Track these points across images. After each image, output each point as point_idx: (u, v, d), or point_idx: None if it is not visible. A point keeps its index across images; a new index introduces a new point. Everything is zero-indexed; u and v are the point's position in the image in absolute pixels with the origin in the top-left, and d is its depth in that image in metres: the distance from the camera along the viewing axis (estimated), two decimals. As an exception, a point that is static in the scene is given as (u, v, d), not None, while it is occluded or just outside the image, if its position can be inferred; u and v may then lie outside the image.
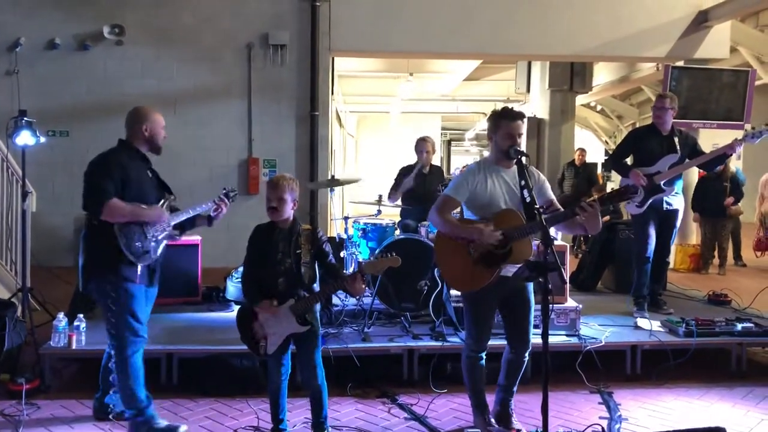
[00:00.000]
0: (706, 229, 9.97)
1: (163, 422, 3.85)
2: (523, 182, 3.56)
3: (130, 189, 3.72)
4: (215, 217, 4.14)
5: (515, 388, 4.05)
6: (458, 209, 3.97)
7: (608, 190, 11.88)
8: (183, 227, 4.10)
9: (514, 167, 3.73)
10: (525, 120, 3.87)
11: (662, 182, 5.61)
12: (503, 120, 3.79)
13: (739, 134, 5.74)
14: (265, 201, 3.65)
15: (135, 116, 3.91)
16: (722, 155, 5.62)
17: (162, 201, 3.92)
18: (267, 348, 3.66)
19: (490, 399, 4.06)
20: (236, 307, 6.00)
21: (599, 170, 14.45)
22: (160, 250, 3.86)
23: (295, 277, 3.64)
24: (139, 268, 3.73)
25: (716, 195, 9.78)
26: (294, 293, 3.63)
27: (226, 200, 4.17)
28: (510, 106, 3.99)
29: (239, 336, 3.79)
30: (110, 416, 4.07)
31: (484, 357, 3.95)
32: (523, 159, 3.67)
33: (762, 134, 5.45)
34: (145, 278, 3.82)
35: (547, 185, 3.94)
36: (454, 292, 5.16)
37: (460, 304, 5.10)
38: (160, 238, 3.85)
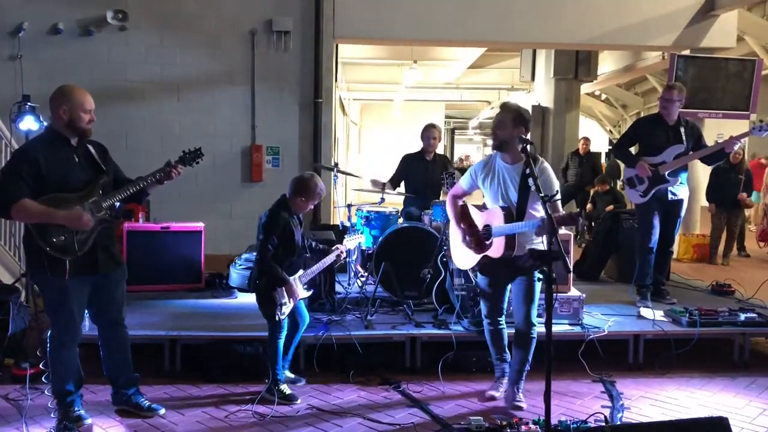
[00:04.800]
0: (721, 219, 9.90)
1: (82, 411, 3.86)
2: (528, 170, 3.61)
3: (49, 179, 3.55)
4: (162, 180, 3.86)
5: (526, 368, 4.20)
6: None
7: (614, 185, 11.89)
8: (137, 199, 3.91)
9: (520, 163, 3.91)
10: (506, 110, 4.05)
11: (666, 172, 5.58)
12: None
13: (743, 126, 5.72)
14: (309, 204, 4.34)
15: (54, 98, 3.66)
16: (720, 151, 5.59)
17: (88, 187, 3.67)
18: (282, 313, 4.23)
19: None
20: (240, 294, 6.04)
21: (603, 160, 14.43)
22: (91, 239, 3.65)
23: (302, 254, 4.42)
24: (67, 262, 3.58)
25: (732, 187, 9.73)
26: (300, 267, 4.39)
27: (181, 166, 3.88)
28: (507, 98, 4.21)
29: (259, 308, 4.29)
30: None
31: (504, 324, 4.28)
32: (528, 147, 3.69)
33: None
34: (79, 269, 3.64)
35: (547, 185, 3.84)
36: (457, 281, 5.17)
37: (463, 293, 5.14)
38: (89, 227, 3.61)
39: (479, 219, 4.23)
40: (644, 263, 5.78)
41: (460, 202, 4.34)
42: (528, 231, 3.84)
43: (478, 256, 4.13)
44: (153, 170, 3.86)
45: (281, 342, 4.32)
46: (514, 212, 3.93)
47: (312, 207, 4.46)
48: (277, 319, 4.22)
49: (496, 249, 4.01)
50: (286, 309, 4.25)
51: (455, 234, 4.35)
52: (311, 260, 4.51)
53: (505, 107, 4.08)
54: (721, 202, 9.89)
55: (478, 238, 4.16)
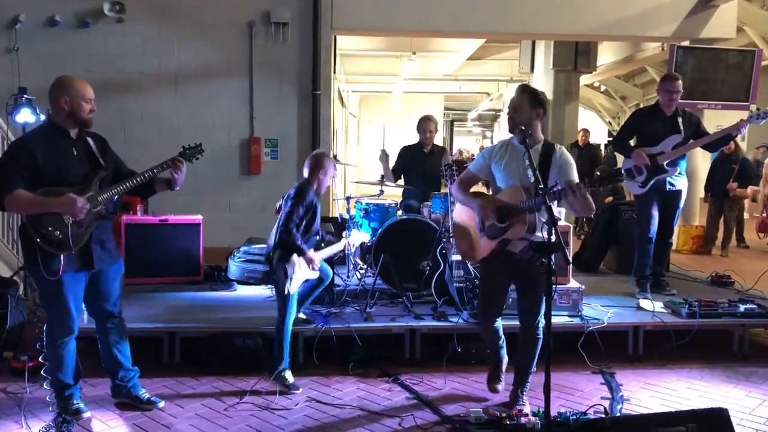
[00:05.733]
0: (713, 209, 9.95)
1: (80, 405, 3.87)
2: (527, 162, 3.56)
3: (46, 172, 3.52)
4: (175, 180, 3.84)
5: (531, 370, 4.05)
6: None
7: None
8: (142, 194, 3.90)
9: (538, 147, 3.84)
10: (523, 93, 3.92)
11: (665, 163, 5.57)
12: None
13: (744, 115, 5.71)
14: (328, 177, 4.62)
15: (54, 89, 3.63)
16: (726, 136, 5.59)
17: (85, 181, 3.64)
18: (292, 286, 4.36)
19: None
20: (238, 287, 6.03)
21: (602, 151, 14.40)
22: (86, 235, 3.63)
23: (315, 237, 4.64)
24: (62, 257, 3.55)
25: (724, 176, 9.75)
26: (312, 247, 4.56)
27: (182, 160, 3.85)
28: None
29: (271, 280, 4.65)
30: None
31: (499, 323, 4.14)
32: (527, 139, 3.66)
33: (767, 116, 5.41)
34: (74, 264, 3.63)
35: (567, 168, 3.82)
36: (456, 273, 5.16)
37: (462, 284, 5.13)
38: (84, 221, 3.59)
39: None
40: (643, 254, 5.77)
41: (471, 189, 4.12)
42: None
43: (493, 244, 3.88)
44: (152, 164, 3.83)
45: (290, 323, 4.39)
46: (533, 192, 3.70)
47: (330, 182, 4.71)
48: (286, 292, 4.33)
49: (517, 230, 3.77)
50: (295, 283, 4.38)
51: (465, 223, 4.09)
52: (320, 246, 4.75)
53: (521, 90, 3.93)
54: (714, 192, 9.92)
55: (491, 224, 3.88)
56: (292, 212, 4.38)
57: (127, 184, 3.75)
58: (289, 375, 4.36)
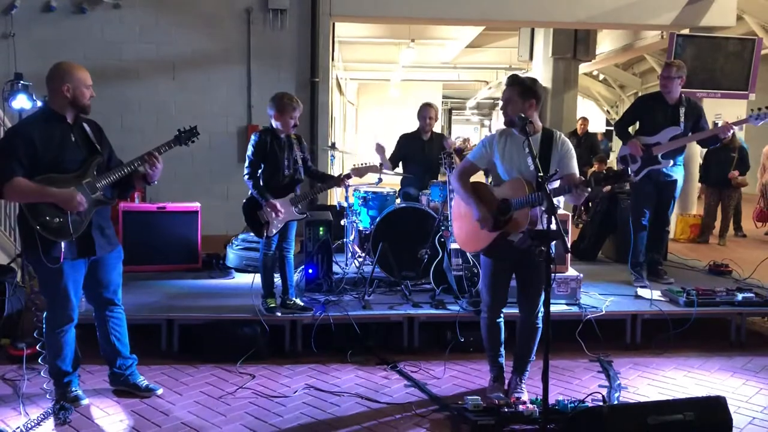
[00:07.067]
0: (711, 198, 9.94)
1: (79, 392, 3.88)
2: (527, 149, 3.54)
3: (44, 159, 3.50)
4: (150, 175, 3.75)
5: (530, 358, 4.05)
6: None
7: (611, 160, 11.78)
8: (123, 190, 3.86)
9: (537, 135, 3.79)
10: (512, 85, 3.85)
11: (660, 154, 5.55)
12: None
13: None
14: (289, 119, 4.64)
15: (54, 75, 3.58)
16: (714, 137, 5.57)
17: (83, 167, 3.61)
18: (270, 231, 4.66)
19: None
20: (236, 275, 6.03)
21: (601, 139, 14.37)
22: (86, 221, 3.62)
23: (294, 176, 4.76)
24: (62, 244, 3.54)
25: (723, 165, 9.73)
26: (293, 189, 4.75)
27: (157, 156, 3.72)
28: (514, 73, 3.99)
29: (246, 224, 4.77)
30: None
31: (502, 318, 4.04)
32: (527, 126, 3.62)
33: (767, 116, 5.39)
34: (74, 251, 3.61)
35: (568, 160, 3.78)
36: (454, 261, 5.16)
37: (460, 273, 5.13)
38: (82, 208, 3.58)
39: (496, 194, 3.89)
40: (637, 241, 5.79)
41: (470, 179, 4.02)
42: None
43: (493, 235, 3.82)
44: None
45: (268, 257, 4.76)
46: (534, 184, 3.64)
47: (294, 122, 4.69)
48: (264, 236, 4.67)
49: (518, 224, 3.71)
50: (273, 228, 4.67)
51: (465, 213, 3.99)
52: (320, 188, 5.08)
53: (510, 82, 3.86)
54: (709, 180, 9.91)
55: (494, 215, 3.81)
56: (248, 161, 4.66)
57: (124, 170, 3.73)
58: (271, 300, 4.80)
